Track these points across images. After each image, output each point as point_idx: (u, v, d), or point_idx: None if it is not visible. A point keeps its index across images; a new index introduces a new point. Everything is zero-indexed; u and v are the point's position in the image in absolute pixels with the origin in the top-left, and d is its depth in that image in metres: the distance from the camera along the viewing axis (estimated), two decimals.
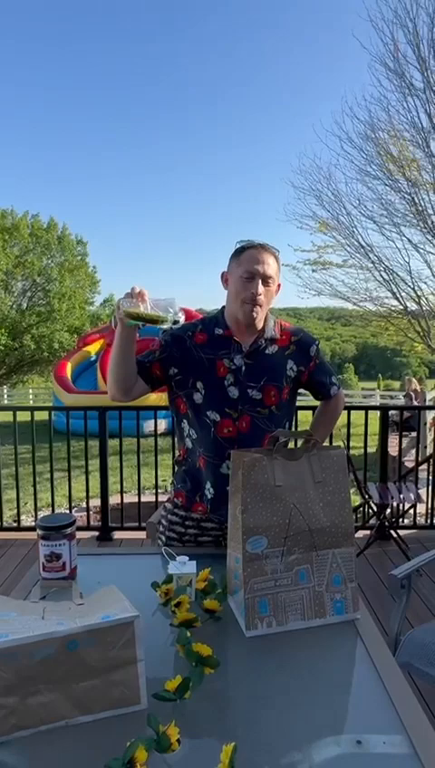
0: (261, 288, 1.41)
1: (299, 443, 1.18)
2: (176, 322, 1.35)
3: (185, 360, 1.48)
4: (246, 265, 1.41)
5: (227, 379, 1.45)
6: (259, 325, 1.47)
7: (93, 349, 12.97)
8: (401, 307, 10.31)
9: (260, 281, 1.41)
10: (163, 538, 1.56)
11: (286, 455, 1.13)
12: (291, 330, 1.53)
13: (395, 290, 10.20)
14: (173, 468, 1.61)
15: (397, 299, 10.27)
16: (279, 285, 1.49)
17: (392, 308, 10.55)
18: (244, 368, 1.45)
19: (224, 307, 1.52)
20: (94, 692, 0.83)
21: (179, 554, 1.25)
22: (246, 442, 1.40)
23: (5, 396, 22.35)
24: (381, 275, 10.25)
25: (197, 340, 1.49)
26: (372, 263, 10.22)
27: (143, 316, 1.30)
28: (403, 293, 10.17)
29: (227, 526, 1.18)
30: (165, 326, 1.33)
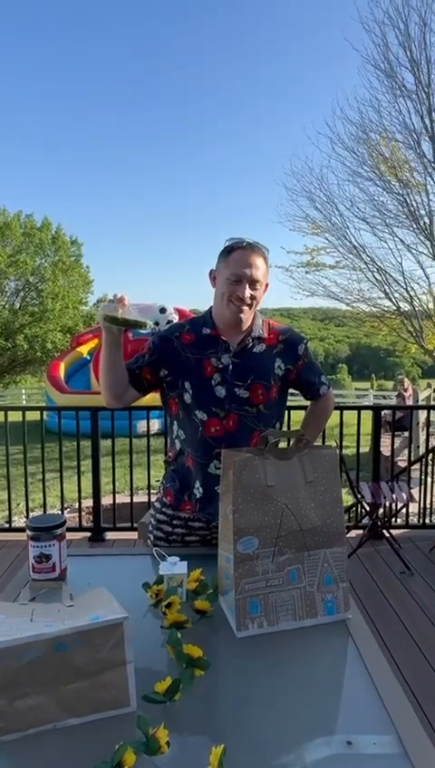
0: (248, 291, 1.40)
1: (291, 442, 1.17)
2: (157, 324, 1.36)
3: (173, 361, 1.48)
4: (234, 268, 1.40)
5: (214, 378, 1.45)
6: (246, 325, 1.46)
7: (86, 349, 12.93)
8: (394, 307, 10.35)
9: (247, 284, 1.40)
10: (151, 537, 1.56)
11: (278, 454, 1.12)
12: (279, 329, 1.53)
13: (388, 290, 10.24)
14: (166, 469, 1.60)
15: (390, 299, 10.32)
16: (267, 285, 1.48)
17: (385, 308, 10.59)
18: (231, 367, 1.45)
19: (212, 307, 1.51)
20: (83, 694, 0.82)
21: (171, 555, 1.24)
22: (234, 440, 1.40)
23: None
24: (373, 276, 10.29)
25: (184, 341, 1.49)
26: (365, 263, 10.26)
27: (122, 320, 1.33)
28: (396, 294, 10.23)
29: (217, 526, 1.17)
30: (145, 330, 1.37)
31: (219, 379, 1.44)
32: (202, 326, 1.50)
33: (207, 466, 1.46)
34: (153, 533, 1.56)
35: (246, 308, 1.42)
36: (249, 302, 1.41)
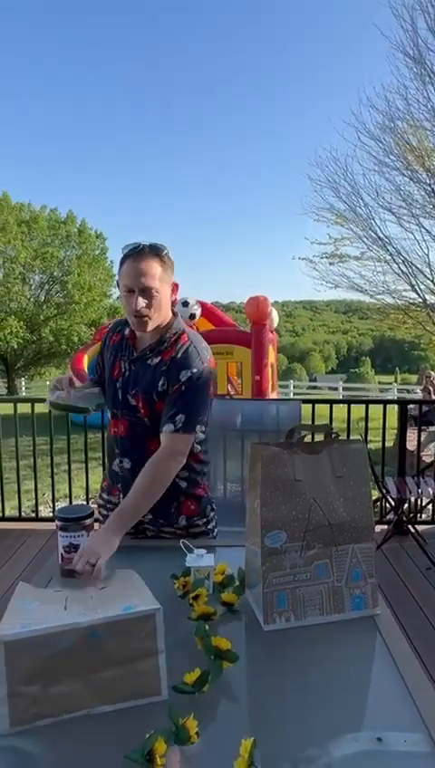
0: (141, 302, 1.35)
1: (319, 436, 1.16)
2: (97, 407, 1.49)
3: (104, 360, 1.56)
4: (124, 280, 1.37)
5: (118, 381, 1.48)
6: (151, 327, 1.40)
7: None
8: (420, 300, 10.16)
9: (139, 295, 1.35)
10: (98, 523, 1.55)
11: (307, 449, 1.12)
12: (180, 347, 1.42)
13: (413, 282, 10.06)
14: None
15: (415, 291, 10.13)
16: (175, 285, 1.44)
17: (411, 300, 10.40)
18: (127, 373, 1.47)
19: None
20: (115, 682, 0.83)
21: (197, 547, 1.25)
22: (126, 444, 1.47)
23: (24, 388, 22.62)
24: (399, 268, 10.11)
25: (111, 342, 1.54)
26: (390, 255, 10.08)
27: (62, 406, 1.42)
28: (422, 286, 10.03)
29: (246, 521, 1.17)
30: (86, 415, 1.46)
31: (120, 383, 1.48)
32: (125, 327, 1.52)
33: (112, 465, 1.52)
34: (98, 518, 1.56)
35: (146, 319, 1.37)
36: (145, 312, 1.36)
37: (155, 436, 1.41)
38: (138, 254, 1.36)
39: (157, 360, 1.44)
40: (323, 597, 1.08)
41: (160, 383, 1.41)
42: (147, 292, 1.36)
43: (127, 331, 1.50)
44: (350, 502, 1.11)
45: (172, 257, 1.42)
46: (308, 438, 1.19)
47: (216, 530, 1.59)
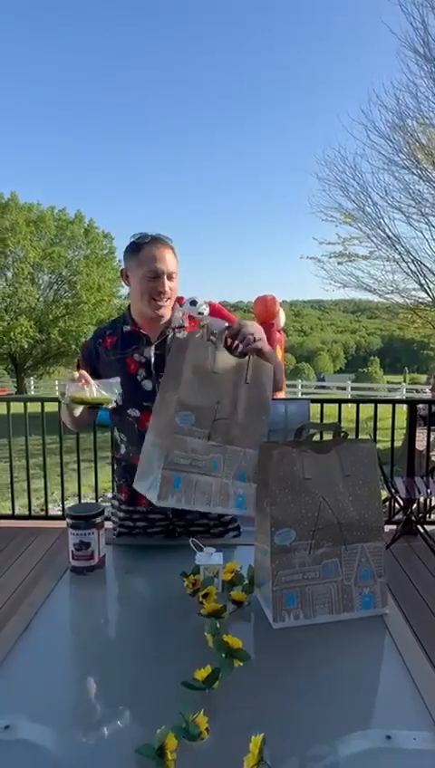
0: (168, 285, 1.41)
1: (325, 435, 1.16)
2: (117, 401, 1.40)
3: (101, 368, 1.51)
4: (148, 264, 1.40)
5: (139, 373, 1.47)
6: (167, 317, 1.47)
7: None
8: (429, 299, 10.09)
9: (165, 278, 1.41)
10: (115, 534, 1.59)
11: (315, 447, 1.12)
12: (200, 318, 1.49)
13: (423, 281, 9.98)
14: (118, 465, 1.64)
15: (425, 290, 10.06)
16: (177, 272, 1.49)
17: (420, 300, 10.33)
18: (153, 359, 1.47)
19: (129, 305, 1.53)
20: None
21: (206, 546, 1.25)
22: None
23: (32, 387, 22.75)
24: (408, 267, 10.04)
25: (106, 345, 1.52)
26: (399, 254, 10.02)
27: (88, 401, 1.35)
28: (431, 285, 9.95)
29: (255, 520, 1.18)
30: (110, 406, 1.39)
31: (144, 373, 1.47)
32: (123, 325, 1.52)
33: None
34: (117, 530, 1.59)
35: (167, 302, 1.43)
36: (169, 294, 1.43)
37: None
38: (157, 240, 1.42)
39: (183, 334, 1.47)
40: (332, 595, 1.08)
41: None
42: (170, 276, 1.42)
43: (127, 328, 1.51)
44: (359, 501, 1.11)
45: None
46: (317, 437, 1.19)
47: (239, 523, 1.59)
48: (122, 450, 1.57)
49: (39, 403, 3.89)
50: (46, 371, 25.90)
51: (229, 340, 1.26)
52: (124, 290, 27.49)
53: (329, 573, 1.08)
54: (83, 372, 1.35)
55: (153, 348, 1.47)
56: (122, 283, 1.51)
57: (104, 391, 1.34)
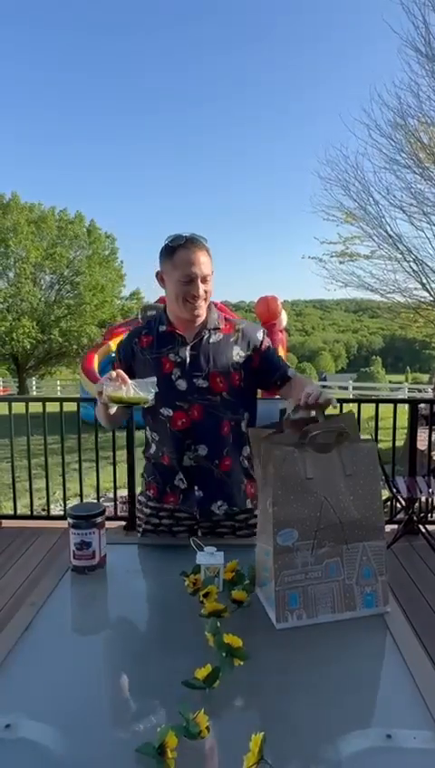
0: (202, 288, 1.43)
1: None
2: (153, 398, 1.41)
3: (137, 367, 1.53)
4: (183, 269, 1.41)
5: (174, 373, 1.48)
6: (203, 318, 1.49)
7: (115, 344, 13.08)
8: (431, 298, 10.08)
9: (199, 281, 1.42)
10: (140, 530, 1.60)
11: (317, 447, 1.12)
12: (235, 320, 1.56)
13: (425, 281, 9.96)
14: (146, 463, 1.64)
15: (427, 290, 10.04)
16: (212, 272, 1.50)
17: (422, 299, 10.31)
18: (188, 359, 1.47)
19: (166, 305, 1.54)
20: None
21: (207, 545, 1.25)
22: (201, 430, 1.46)
23: (34, 387, 22.78)
24: (410, 266, 10.02)
25: (142, 344, 1.54)
26: (401, 253, 10.00)
27: (125, 400, 1.35)
28: (433, 284, 9.94)
29: (257, 519, 1.18)
30: (147, 405, 1.39)
31: (179, 372, 1.47)
32: (159, 325, 1.54)
33: (182, 460, 1.49)
34: (142, 526, 1.59)
35: (202, 303, 1.45)
36: (204, 297, 1.44)
37: (225, 417, 1.47)
38: (191, 243, 1.42)
39: (219, 336, 1.50)
40: (334, 595, 1.08)
41: (235, 353, 1.49)
42: (204, 279, 1.44)
43: (163, 328, 1.52)
44: (360, 500, 1.11)
45: None
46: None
47: None
48: (153, 449, 1.57)
49: (41, 403, 3.89)
50: (48, 372, 25.93)
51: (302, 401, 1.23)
52: (126, 291, 27.40)
53: (331, 573, 1.08)
54: (120, 372, 1.36)
55: (188, 348, 1.48)
56: (158, 284, 1.51)
57: (141, 391, 1.35)
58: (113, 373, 1.36)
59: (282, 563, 1.06)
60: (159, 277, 1.50)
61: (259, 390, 1.59)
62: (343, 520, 1.09)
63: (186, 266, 1.41)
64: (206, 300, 1.46)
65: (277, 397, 1.64)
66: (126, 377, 1.34)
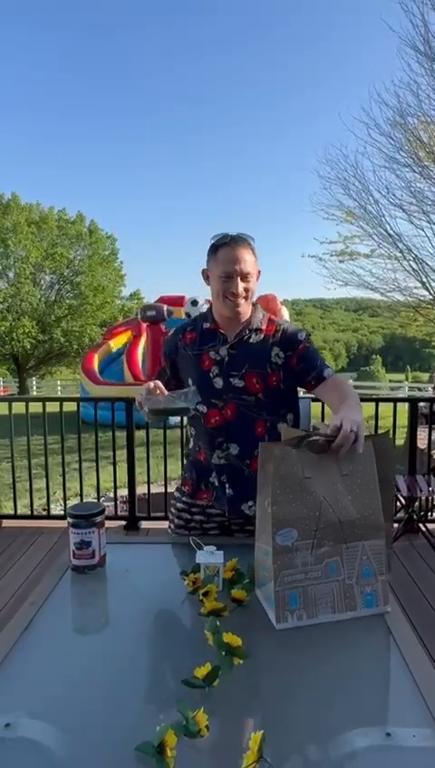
0: (241, 286, 1.44)
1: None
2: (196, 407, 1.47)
3: (181, 362, 1.57)
4: (223, 266, 1.43)
5: (212, 370, 1.49)
6: (245, 317, 1.50)
7: (119, 342, 13.07)
8: (431, 297, 10.07)
9: (239, 279, 1.43)
10: (172, 525, 1.62)
11: (313, 447, 1.12)
12: (278, 321, 1.55)
13: (425, 279, 9.97)
14: (187, 460, 1.69)
15: (426, 289, 10.04)
16: (259, 272, 1.51)
17: (421, 298, 10.31)
18: (227, 358, 1.49)
19: (211, 303, 1.57)
20: None
21: (207, 544, 1.26)
22: (233, 429, 1.47)
23: (34, 387, 22.78)
24: (409, 265, 10.03)
25: (186, 340, 1.56)
26: (401, 252, 10.00)
27: (168, 411, 1.39)
28: (433, 283, 9.94)
29: (256, 517, 1.18)
30: (190, 414, 1.44)
31: (217, 370, 1.49)
32: (203, 322, 1.56)
33: (212, 457, 1.51)
34: (174, 521, 1.62)
35: (242, 301, 1.46)
36: (244, 295, 1.45)
37: (260, 417, 1.47)
38: (234, 241, 1.44)
39: (259, 337, 1.50)
40: (334, 595, 1.08)
41: (274, 354, 1.48)
42: (245, 277, 1.44)
43: (207, 325, 1.54)
44: (358, 500, 1.11)
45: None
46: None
47: None
48: (191, 444, 1.61)
49: (41, 403, 3.89)
50: (48, 371, 25.93)
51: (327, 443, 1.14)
52: (126, 291, 27.44)
53: (331, 573, 1.08)
54: (158, 383, 1.39)
55: (228, 347, 1.49)
56: (207, 280, 1.53)
57: (181, 400, 1.37)
58: (151, 384, 1.39)
59: (281, 563, 1.06)
60: (205, 275, 1.52)
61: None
62: (343, 519, 1.09)
63: (226, 264, 1.43)
64: (247, 298, 1.46)
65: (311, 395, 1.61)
66: (163, 388, 1.38)
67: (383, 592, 1.11)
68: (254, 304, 1.54)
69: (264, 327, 1.51)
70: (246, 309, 1.48)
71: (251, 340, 1.50)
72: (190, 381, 1.52)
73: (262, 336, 1.50)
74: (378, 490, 1.14)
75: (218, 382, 1.48)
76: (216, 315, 1.53)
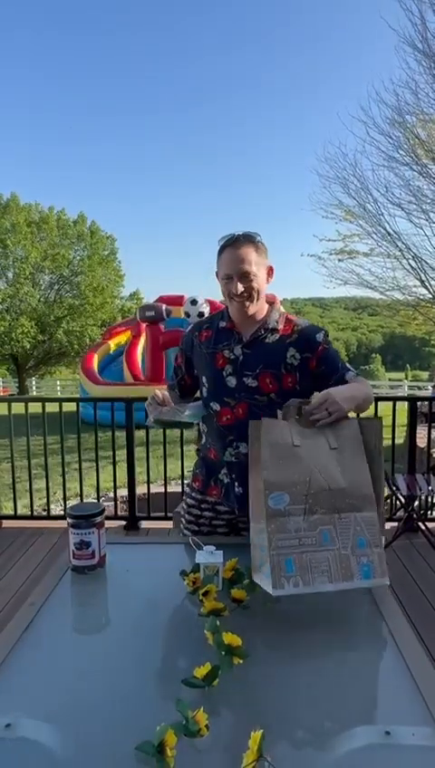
0: (240, 286, 1.43)
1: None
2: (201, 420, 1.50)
3: (196, 359, 1.58)
4: (224, 268, 1.45)
5: (226, 369, 1.49)
6: (260, 315, 1.50)
7: (118, 341, 13.08)
8: (430, 295, 10.07)
9: (238, 280, 1.43)
10: (183, 521, 1.64)
11: (302, 422, 1.17)
12: (296, 321, 1.53)
13: (424, 278, 9.97)
14: (197, 456, 1.72)
15: (426, 287, 10.04)
16: (270, 268, 1.49)
17: (421, 297, 10.31)
18: (241, 357, 1.48)
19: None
20: None
21: (207, 544, 1.26)
22: (244, 428, 1.43)
23: (34, 387, 22.77)
24: (409, 263, 10.02)
25: (201, 338, 1.57)
26: (400, 251, 10.00)
27: (174, 423, 1.42)
28: (432, 282, 9.94)
29: (249, 504, 1.20)
30: (194, 428, 1.46)
31: (230, 369, 1.49)
32: (219, 320, 1.56)
33: (224, 454, 1.52)
34: (184, 517, 1.64)
35: (247, 301, 1.45)
36: (246, 294, 1.44)
37: (273, 416, 1.46)
38: (237, 241, 1.44)
39: (275, 337, 1.49)
40: (330, 564, 1.08)
41: (290, 354, 1.46)
42: (245, 277, 1.43)
43: (223, 324, 1.54)
44: (348, 471, 1.15)
45: (265, 243, 1.48)
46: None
47: None
48: (202, 440, 1.63)
49: (40, 403, 3.89)
50: (48, 372, 25.91)
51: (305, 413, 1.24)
52: (125, 291, 27.41)
53: (325, 540, 1.09)
54: (165, 394, 1.41)
55: (242, 346, 1.49)
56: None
57: (185, 414, 1.39)
58: (159, 393, 1.40)
59: (275, 527, 1.07)
60: (217, 276, 1.53)
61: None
62: (332, 486, 1.12)
63: (226, 265, 1.44)
64: (251, 297, 1.45)
65: None
66: (170, 400, 1.40)
67: (380, 564, 1.11)
68: (271, 303, 1.53)
69: (280, 327, 1.50)
70: (254, 308, 1.47)
71: (267, 340, 1.48)
72: (204, 379, 1.53)
73: (278, 336, 1.49)
74: (366, 464, 1.17)
75: (232, 381, 1.48)
76: (232, 314, 1.53)
